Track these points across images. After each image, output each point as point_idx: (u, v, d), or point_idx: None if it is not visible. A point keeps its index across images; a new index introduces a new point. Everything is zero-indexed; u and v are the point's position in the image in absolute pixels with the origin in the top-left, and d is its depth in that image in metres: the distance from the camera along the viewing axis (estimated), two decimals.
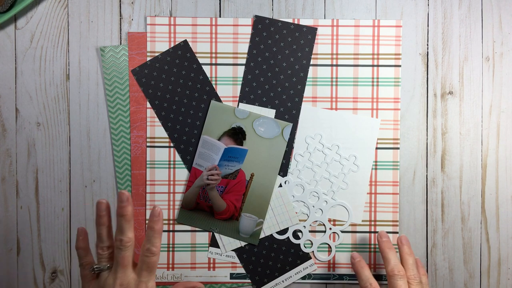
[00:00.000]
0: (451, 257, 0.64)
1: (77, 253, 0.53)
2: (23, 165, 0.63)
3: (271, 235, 0.63)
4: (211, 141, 0.62)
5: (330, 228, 0.63)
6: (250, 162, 0.62)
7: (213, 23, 0.63)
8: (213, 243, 0.63)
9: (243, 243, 0.63)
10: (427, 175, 0.64)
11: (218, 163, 0.62)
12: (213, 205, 0.62)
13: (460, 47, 0.64)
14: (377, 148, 0.63)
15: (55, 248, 0.63)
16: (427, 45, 0.64)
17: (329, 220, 0.63)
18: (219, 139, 0.62)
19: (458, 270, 0.64)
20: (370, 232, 0.63)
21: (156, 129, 0.63)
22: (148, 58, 0.63)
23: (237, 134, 0.62)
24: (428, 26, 0.64)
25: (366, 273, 0.58)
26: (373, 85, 0.63)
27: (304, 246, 0.63)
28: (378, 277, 0.63)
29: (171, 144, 0.63)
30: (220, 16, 0.63)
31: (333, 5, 0.64)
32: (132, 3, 0.63)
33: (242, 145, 0.62)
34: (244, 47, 0.63)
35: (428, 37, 0.64)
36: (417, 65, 0.64)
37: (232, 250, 0.63)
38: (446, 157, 0.64)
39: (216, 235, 0.63)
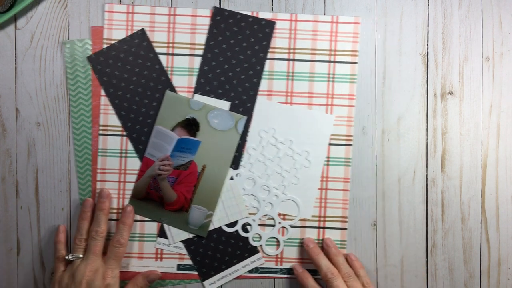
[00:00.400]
0: (451, 257, 0.64)
1: (56, 247, 0.61)
2: (23, 165, 0.63)
3: (220, 227, 0.63)
4: (164, 131, 0.62)
5: (280, 223, 0.63)
6: (203, 154, 0.62)
7: (171, 12, 0.63)
8: (162, 233, 0.63)
9: (191, 235, 0.63)
10: (427, 175, 0.64)
11: (170, 154, 0.62)
12: (163, 195, 0.62)
13: (460, 47, 0.64)
14: (330, 144, 0.63)
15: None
16: (427, 45, 0.64)
17: (279, 215, 0.63)
18: (172, 130, 0.62)
19: (458, 270, 0.64)
20: (319, 227, 0.63)
21: (110, 117, 0.63)
22: (105, 46, 0.62)
23: (190, 125, 0.62)
24: (428, 26, 0.64)
25: (311, 283, 0.60)
26: (329, 81, 0.63)
27: (253, 239, 0.63)
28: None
29: (124, 133, 0.63)
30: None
31: (333, 4, 0.64)
32: (132, 3, 0.63)
33: (195, 136, 0.62)
34: (201, 38, 0.63)
35: (428, 37, 0.64)
36: (417, 65, 0.64)
37: (180, 242, 0.63)
38: (446, 157, 0.64)
39: (165, 225, 0.62)
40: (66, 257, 0.58)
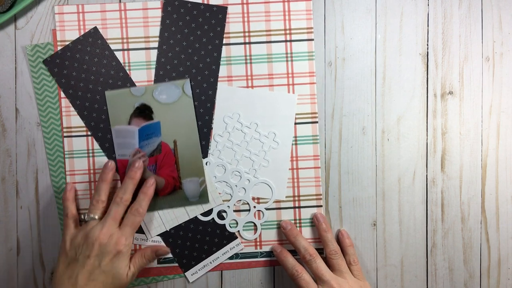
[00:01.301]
0: (451, 257, 0.64)
1: (64, 204, 0.59)
2: (23, 165, 0.63)
3: (196, 217, 0.63)
4: (122, 128, 0.62)
5: (254, 207, 0.63)
6: (168, 131, 0.62)
7: (122, 8, 0.63)
8: (138, 229, 0.63)
9: (168, 227, 0.63)
10: (427, 175, 0.64)
11: (139, 146, 0.62)
12: None
13: (460, 47, 0.64)
14: (296, 123, 0.63)
15: (55, 248, 0.63)
16: (427, 45, 0.64)
17: (253, 198, 0.63)
18: (129, 124, 0.62)
19: (458, 270, 0.64)
20: (294, 207, 0.64)
21: (72, 119, 0.62)
22: (59, 48, 0.62)
23: (143, 112, 0.62)
24: (428, 26, 0.64)
25: (291, 261, 0.60)
26: (287, 61, 0.63)
27: (230, 226, 0.63)
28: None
29: (89, 133, 0.63)
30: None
31: (333, 5, 0.64)
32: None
33: (152, 119, 0.62)
34: (155, 31, 0.63)
35: (428, 37, 0.64)
36: (417, 65, 0.64)
37: (158, 235, 0.63)
38: (446, 157, 0.64)
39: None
40: (82, 217, 0.58)
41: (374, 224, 0.64)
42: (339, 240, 0.63)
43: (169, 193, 0.63)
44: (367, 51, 0.64)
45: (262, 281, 0.64)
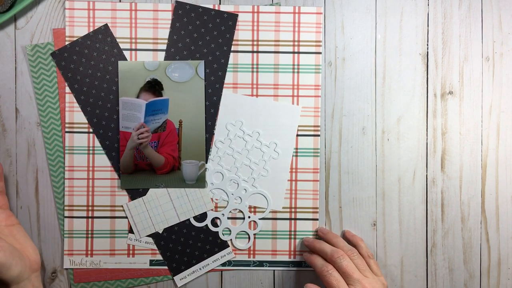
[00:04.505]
0: (451, 257, 0.64)
1: None
2: (23, 165, 0.63)
3: (190, 222, 0.63)
4: (130, 100, 0.62)
5: (249, 217, 0.63)
6: (175, 110, 0.62)
7: (133, 8, 0.63)
8: (130, 229, 0.63)
9: (158, 229, 0.63)
10: (427, 175, 0.64)
11: (144, 120, 0.62)
12: (151, 162, 0.62)
13: (460, 47, 0.64)
14: (297, 135, 0.63)
15: (55, 248, 0.63)
16: (427, 45, 0.64)
17: (250, 207, 0.63)
18: (137, 97, 0.62)
19: (458, 270, 0.64)
20: (290, 219, 0.64)
21: (75, 115, 0.63)
22: (67, 42, 0.62)
23: (153, 87, 0.62)
24: (428, 26, 0.64)
25: (320, 261, 0.59)
26: (293, 72, 0.63)
27: (223, 233, 0.63)
28: (298, 264, 0.64)
29: (90, 130, 0.63)
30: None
31: (333, 5, 0.64)
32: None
33: (161, 95, 0.62)
34: (164, 33, 0.63)
35: (428, 37, 0.64)
36: (417, 65, 0.64)
37: (150, 237, 0.63)
38: (446, 157, 0.64)
39: (131, 222, 0.62)
40: None
41: (374, 224, 0.64)
42: (348, 240, 0.63)
43: (167, 172, 0.63)
44: (367, 51, 0.64)
45: (262, 281, 0.64)
